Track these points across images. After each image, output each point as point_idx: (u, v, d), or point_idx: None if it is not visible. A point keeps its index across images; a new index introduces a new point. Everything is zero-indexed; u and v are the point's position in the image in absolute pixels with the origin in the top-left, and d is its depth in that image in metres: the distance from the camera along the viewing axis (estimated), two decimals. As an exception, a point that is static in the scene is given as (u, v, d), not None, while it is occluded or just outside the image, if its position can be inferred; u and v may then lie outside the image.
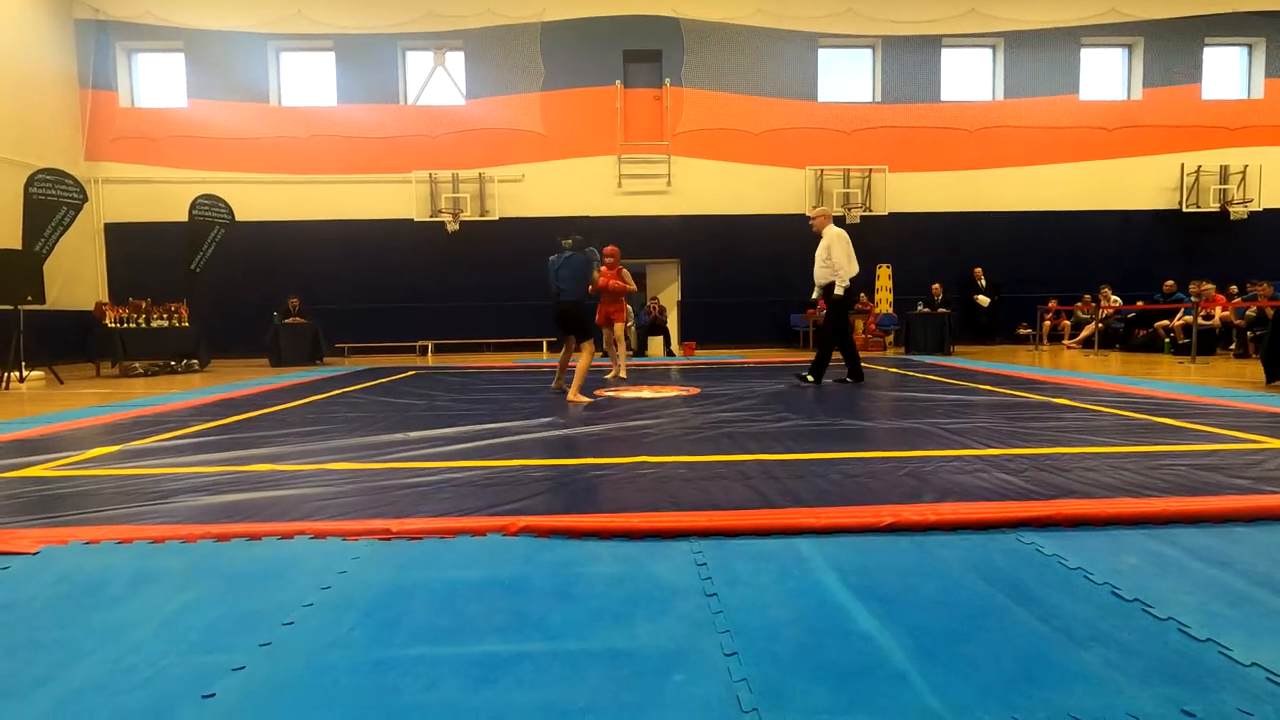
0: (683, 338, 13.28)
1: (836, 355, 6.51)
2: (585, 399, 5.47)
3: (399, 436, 3.92)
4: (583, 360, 5.62)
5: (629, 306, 12.53)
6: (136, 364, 9.41)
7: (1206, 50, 14.01)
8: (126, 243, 13.13)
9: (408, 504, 2.50)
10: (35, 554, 2.03)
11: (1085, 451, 3.22)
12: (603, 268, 7.11)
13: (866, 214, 13.42)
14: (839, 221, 6.47)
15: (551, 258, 5.70)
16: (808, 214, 6.56)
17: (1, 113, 11.29)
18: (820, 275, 6.30)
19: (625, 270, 7.27)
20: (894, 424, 4.16)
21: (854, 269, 6.17)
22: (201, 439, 3.98)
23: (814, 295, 6.52)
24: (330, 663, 1.39)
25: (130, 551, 2.05)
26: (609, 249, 7.14)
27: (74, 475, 3.04)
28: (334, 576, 1.83)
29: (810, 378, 6.35)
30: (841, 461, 3.11)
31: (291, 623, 1.56)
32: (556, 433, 4.01)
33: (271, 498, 2.61)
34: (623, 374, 7.24)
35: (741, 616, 1.57)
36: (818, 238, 6.37)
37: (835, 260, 6.12)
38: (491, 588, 1.76)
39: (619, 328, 7.28)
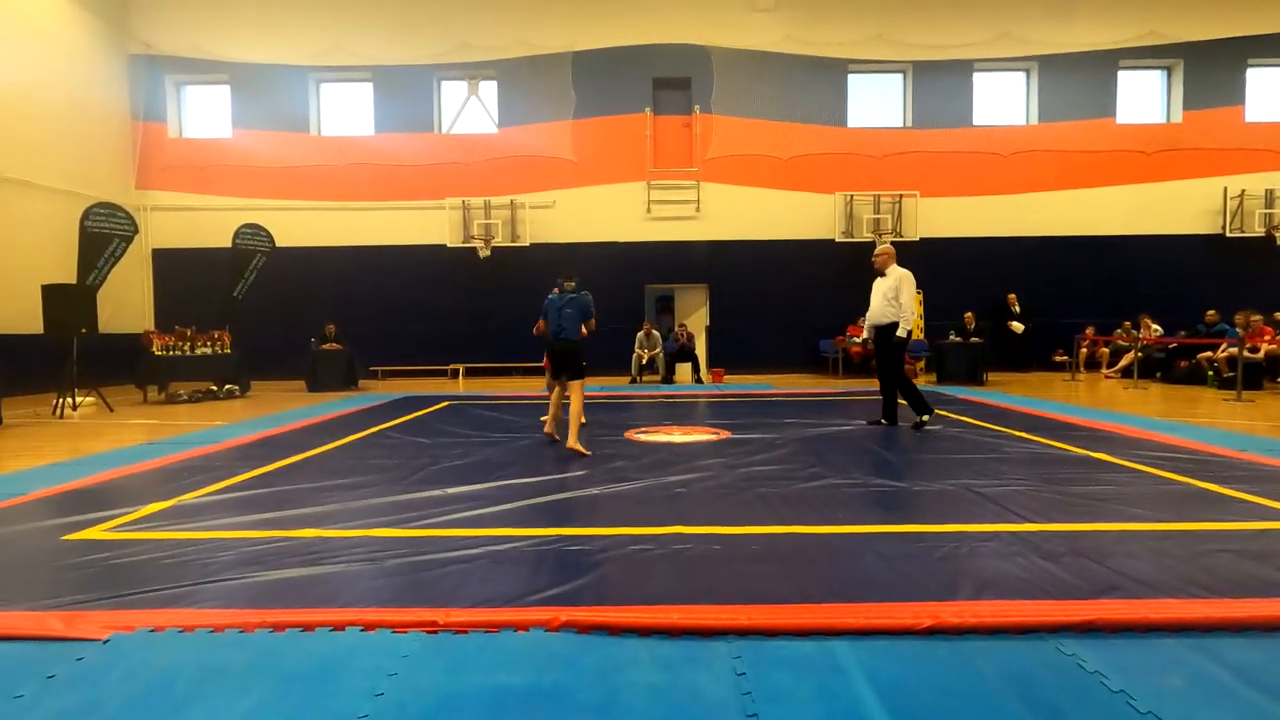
0: (710, 364, 13.30)
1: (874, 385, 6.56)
2: (583, 449, 5.20)
3: (438, 493, 4.02)
4: (575, 403, 5.54)
5: (656, 333, 12.64)
6: (181, 391, 9.73)
7: (1250, 71, 13.70)
8: (173, 267, 13.62)
9: (452, 584, 2.58)
10: (105, 642, 2.15)
11: (1125, 529, 3.18)
12: None
13: (897, 239, 13.32)
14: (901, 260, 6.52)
15: (551, 296, 5.58)
16: (876, 249, 6.54)
17: (60, 145, 11.85)
18: (882, 314, 6.23)
19: None
20: (927, 484, 4.14)
21: (915, 309, 6.20)
22: (248, 491, 4.13)
23: (865, 336, 6.52)
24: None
25: (193, 642, 2.15)
26: None
27: (132, 539, 3.18)
28: (385, 680, 1.90)
29: (925, 418, 6.19)
30: (877, 538, 3.12)
31: (350, 741, 1.64)
32: (592, 490, 4.07)
33: (320, 575, 2.71)
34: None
35: (782, 746, 1.61)
36: (877, 273, 6.38)
37: (904, 302, 6.11)
38: (536, 699, 1.82)
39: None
